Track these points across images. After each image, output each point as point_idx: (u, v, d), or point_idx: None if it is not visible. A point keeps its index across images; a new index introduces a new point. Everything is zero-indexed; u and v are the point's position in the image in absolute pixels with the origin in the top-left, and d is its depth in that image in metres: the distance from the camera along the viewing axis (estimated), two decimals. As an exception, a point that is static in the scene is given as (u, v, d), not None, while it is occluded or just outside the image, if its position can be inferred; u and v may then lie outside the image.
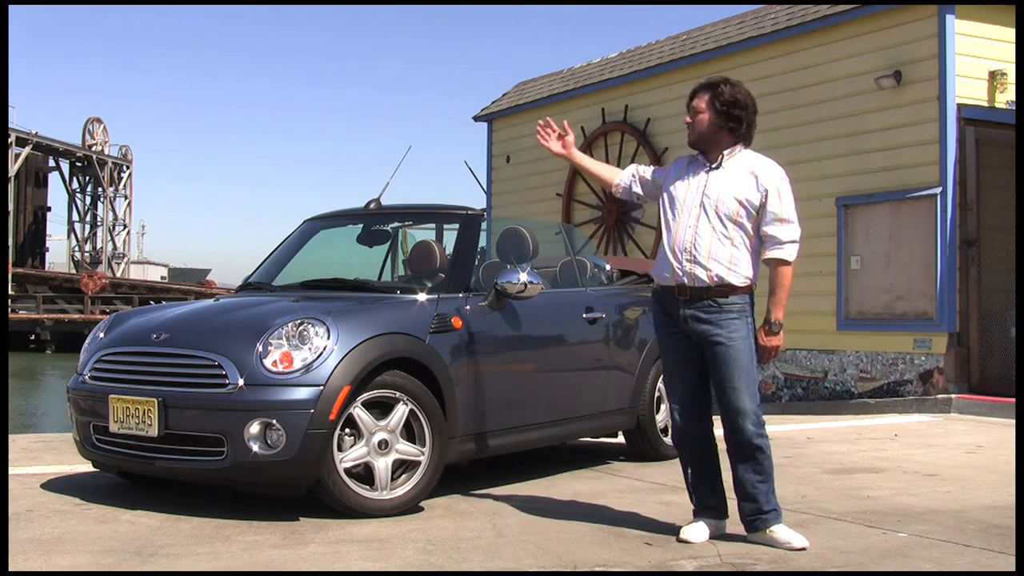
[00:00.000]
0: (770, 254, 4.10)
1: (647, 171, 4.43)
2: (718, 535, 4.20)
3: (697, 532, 4.16)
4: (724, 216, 4.06)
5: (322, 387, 4.40)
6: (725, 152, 4.15)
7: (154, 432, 4.52)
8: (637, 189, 4.40)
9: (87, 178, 57.00)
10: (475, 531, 4.32)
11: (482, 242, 5.74)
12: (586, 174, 4.58)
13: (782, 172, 4.16)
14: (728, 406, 4.08)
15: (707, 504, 4.23)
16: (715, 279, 4.05)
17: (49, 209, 56.06)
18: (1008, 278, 9.47)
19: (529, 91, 16.18)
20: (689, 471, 4.28)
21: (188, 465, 4.52)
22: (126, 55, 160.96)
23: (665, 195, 4.25)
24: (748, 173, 4.11)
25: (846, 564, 3.86)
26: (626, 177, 4.44)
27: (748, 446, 4.07)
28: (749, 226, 4.08)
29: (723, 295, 4.06)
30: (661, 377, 6.32)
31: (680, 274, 4.10)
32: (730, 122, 4.12)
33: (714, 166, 4.15)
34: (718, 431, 4.21)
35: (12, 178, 48.71)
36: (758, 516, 4.10)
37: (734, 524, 4.26)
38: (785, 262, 4.09)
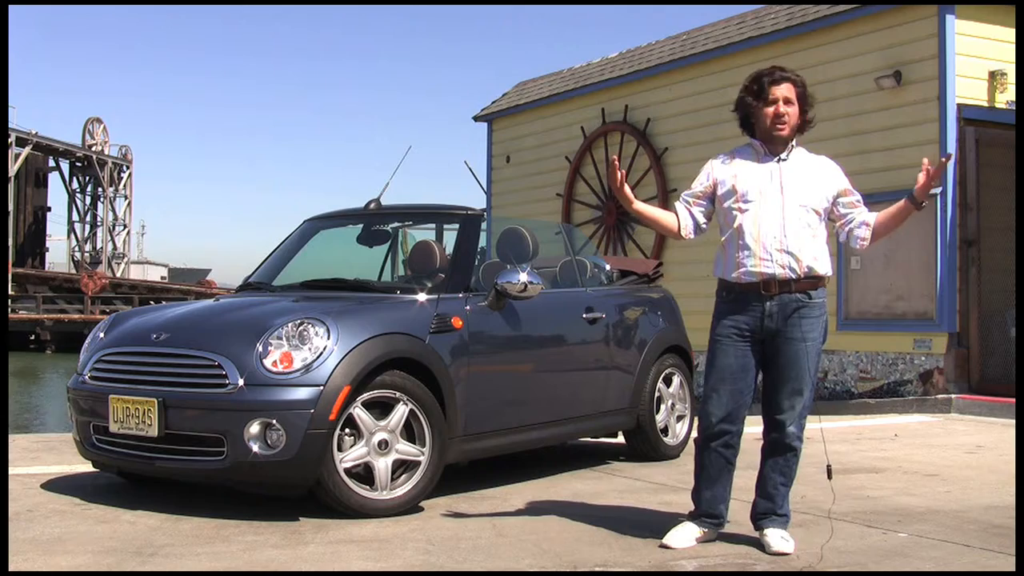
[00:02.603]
0: (866, 227, 4.09)
1: (697, 196, 4.18)
2: (709, 540, 4.11)
3: (681, 537, 4.06)
4: (808, 207, 4.00)
5: (322, 387, 4.40)
6: (792, 144, 4.11)
7: (154, 432, 4.52)
8: (702, 220, 4.19)
9: (87, 178, 56.98)
10: (475, 531, 4.32)
11: (482, 242, 5.74)
12: (645, 220, 4.28)
13: None
14: (780, 405, 4.02)
15: (706, 512, 4.12)
16: (805, 270, 3.98)
17: (49, 209, 56.09)
18: (1008, 278, 9.47)
19: (529, 91, 16.19)
20: (703, 474, 4.13)
21: (188, 465, 4.53)
22: (126, 55, 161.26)
23: (732, 186, 4.07)
24: (817, 165, 4.11)
25: (846, 564, 3.85)
26: (688, 221, 4.18)
27: (785, 447, 4.04)
28: (824, 216, 4.08)
29: (813, 287, 4.01)
30: (661, 377, 6.36)
31: (770, 267, 3.98)
32: (806, 115, 4.12)
33: (783, 158, 4.08)
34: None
35: (12, 178, 48.70)
36: (768, 515, 4.07)
37: (733, 524, 4.26)
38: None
